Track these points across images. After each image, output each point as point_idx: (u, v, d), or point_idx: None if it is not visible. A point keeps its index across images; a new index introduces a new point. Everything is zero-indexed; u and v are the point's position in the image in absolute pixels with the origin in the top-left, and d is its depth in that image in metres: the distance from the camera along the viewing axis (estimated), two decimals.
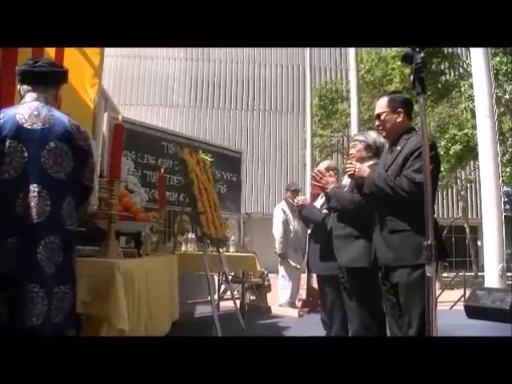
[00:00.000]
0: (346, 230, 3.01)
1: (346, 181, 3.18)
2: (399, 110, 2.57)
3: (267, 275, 6.50)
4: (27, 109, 1.75)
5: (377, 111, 2.67)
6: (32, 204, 1.63)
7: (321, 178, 3.14)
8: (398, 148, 2.54)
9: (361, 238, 2.90)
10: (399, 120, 2.57)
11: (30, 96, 1.81)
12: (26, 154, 1.66)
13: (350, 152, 3.17)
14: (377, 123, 2.67)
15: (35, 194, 1.64)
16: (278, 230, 5.84)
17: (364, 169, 2.61)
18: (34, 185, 1.65)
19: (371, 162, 2.97)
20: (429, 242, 1.70)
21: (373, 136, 3.12)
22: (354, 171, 2.62)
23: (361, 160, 3.00)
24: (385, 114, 2.60)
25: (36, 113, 1.74)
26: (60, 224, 1.70)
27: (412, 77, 1.74)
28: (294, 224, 5.85)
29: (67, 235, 1.72)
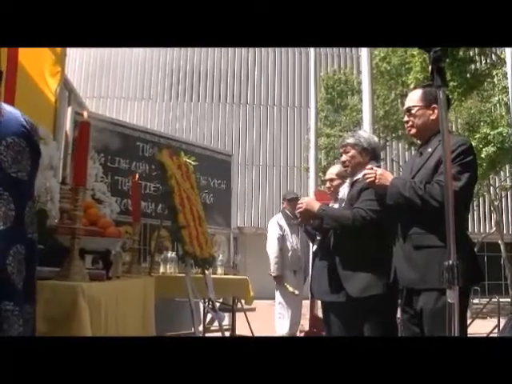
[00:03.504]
0: (351, 253, 3.03)
1: (343, 193, 3.23)
2: (434, 105, 2.62)
3: None
4: None
5: (407, 104, 2.74)
6: None
7: (305, 205, 3.20)
8: (430, 150, 2.60)
9: (371, 260, 2.93)
10: (433, 117, 2.63)
11: None
12: None
13: (342, 159, 3.24)
14: (405, 118, 2.75)
15: None
16: (272, 248, 5.86)
17: (386, 175, 2.66)
18: None
19: (370, 167, 3.02)
20: (450, 262, 1.72)
21: (365, 136, 3.23)
22: (375, 178, 2.66)
23: (357, 167, 3.11)
24: (417, 109, 2.67)
25: None
26: (23, 232, 1.70)
27: (430, 67, 1.78)
28: (292, 240, 5.87)
29: (30, 245, 1.72)
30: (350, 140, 3.22)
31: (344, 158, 3.23)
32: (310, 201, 3.18)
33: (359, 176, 3.07)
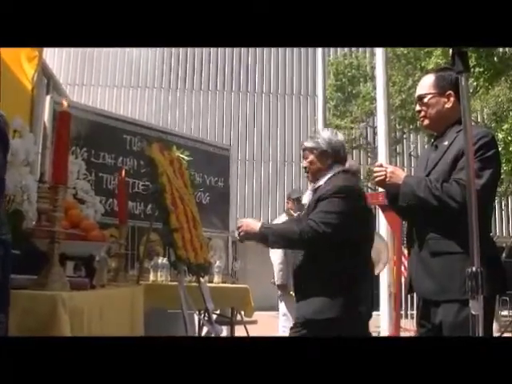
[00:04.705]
0: (307, 270, 2.99)
1: (307, 200, 3.18)
2: (449, 92, 2.60)
3: None
4: None
5: (419, 92, 2.72)
6: None
7: (245, 226, 3.13)
8: (446, 143, 2.58)
9: (331, 278, 2.86)
10: (448, 106, 2.61)
11: None
12: None
13: (304, 165, 3.19)
14: (417, 108, 2.73)
15: None
16: (276, 254, 5.86)
17: (398, 173, 2.63)
18: None
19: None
20: (473, 269, 1.73)
21: (325, 136, 3.11)
22: (386, 176, 2.64)
23: (319, 172, 3.05)
24: (429, 97, 2.64)
25: None
26: None
27: (451, 50, 1.78)
28: None
29: (3, 247, 1.72)
30: (308, 144, 3.14)
31: (304, 163, 3.17)
32: (249, 221, 3.13)
33: (321, 183, 3.01)
